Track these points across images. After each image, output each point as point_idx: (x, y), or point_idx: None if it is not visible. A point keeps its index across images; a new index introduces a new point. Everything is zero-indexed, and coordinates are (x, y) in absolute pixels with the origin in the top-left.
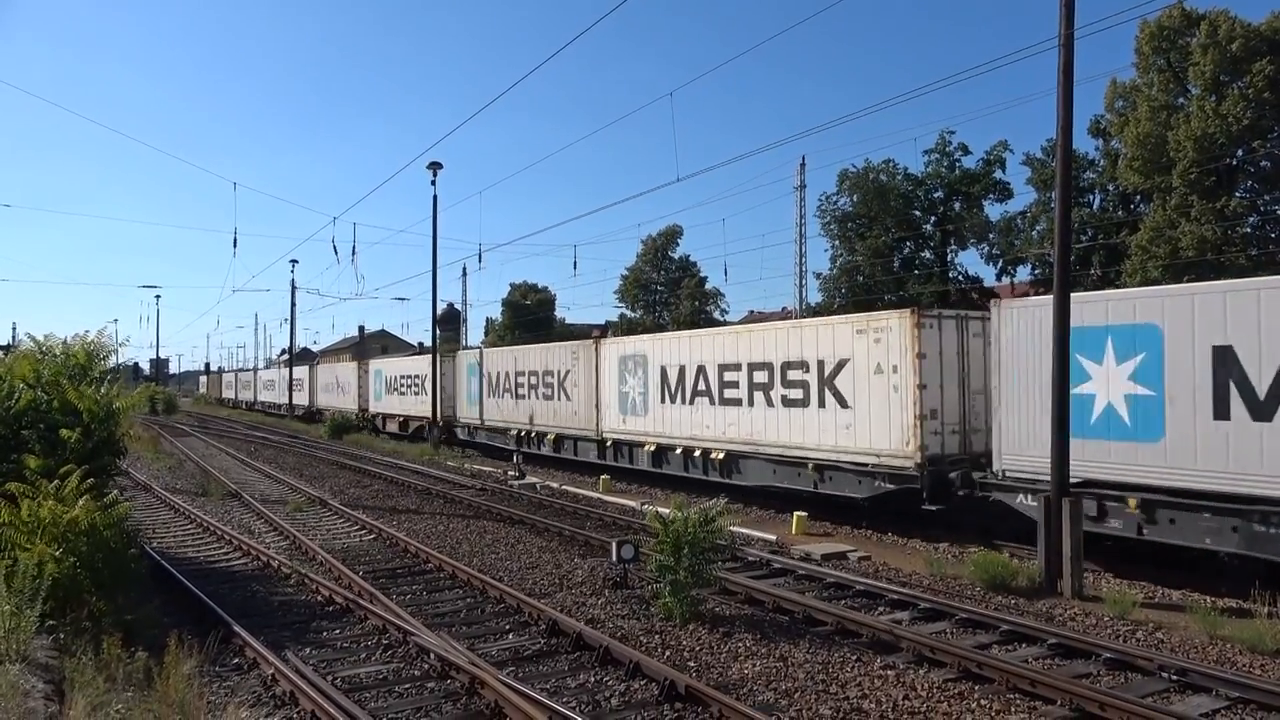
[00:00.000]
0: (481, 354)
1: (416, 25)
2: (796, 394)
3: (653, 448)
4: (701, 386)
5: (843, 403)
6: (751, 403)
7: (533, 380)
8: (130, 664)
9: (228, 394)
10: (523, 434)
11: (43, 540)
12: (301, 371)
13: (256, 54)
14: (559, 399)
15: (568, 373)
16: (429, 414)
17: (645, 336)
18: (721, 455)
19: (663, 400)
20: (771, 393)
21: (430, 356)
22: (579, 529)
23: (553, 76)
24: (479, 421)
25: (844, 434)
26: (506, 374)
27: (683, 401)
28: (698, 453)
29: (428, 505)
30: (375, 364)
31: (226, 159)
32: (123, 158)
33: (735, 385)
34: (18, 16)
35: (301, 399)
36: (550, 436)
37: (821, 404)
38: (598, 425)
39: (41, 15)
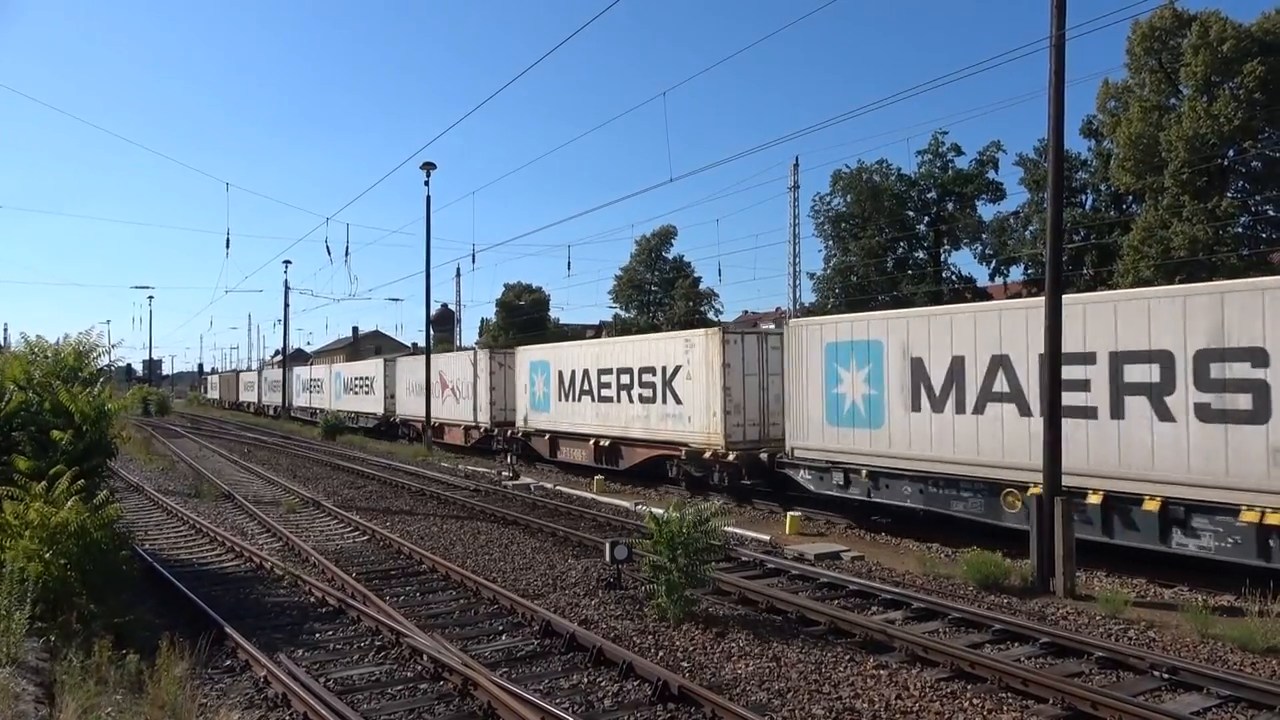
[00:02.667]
0: (890, 325)
1: (411, 25)
2: None
3: None
4: None
5: None
6: None
7: (1167, 371)
8: (121, 666)
9: (247, 397)
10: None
11: (31, 541)
12: (370, 367)
13: (250, 51)
14: None
15: None
16: (690, 436)
17: None
18: None
19: None
20: None
21: (705, 333)
22: (573, 529)
23: (546, 77)
24: (882, 460)
25: None
26: (990, 361)
27: None
28: None
29: (421, 506)
30: (534, 353)
31: (219, 159)
32: (114, 158)
33: None
34: (9, 15)
35: (369, 406)
36: None
37: None
38: None
39: (34, 14)
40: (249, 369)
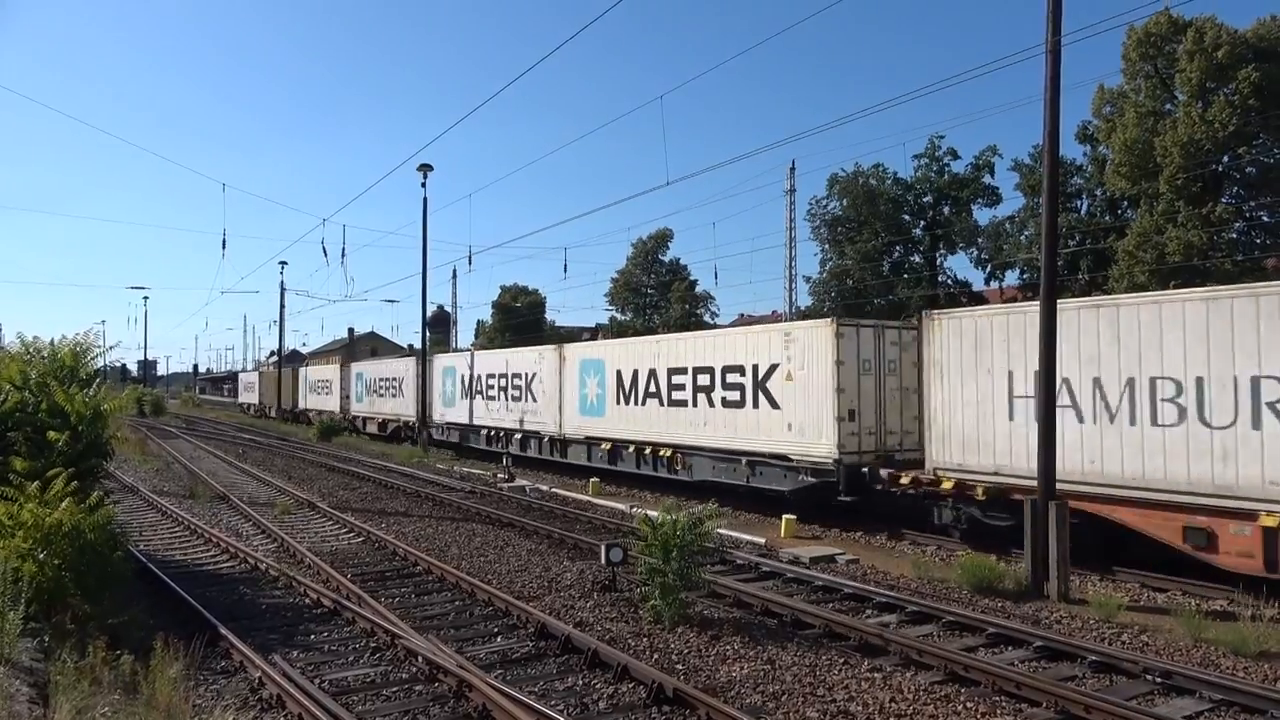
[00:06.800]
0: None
1: (409, 28)
2: None
3: None
4: None
5: None
6: None
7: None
8: (116, 667)
9: (319, 403)
10: None
11: (24, 541)
12: (733, 344)
13: (248, 48)
14: None
15: None
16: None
17: None
18: None
19: None
20: None
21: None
22: (568, 532)
23: (543, 80)
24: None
25: None
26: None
27: None
28: None
29: (416, 508)
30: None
31: (215, 157)
32: (110, 156)
33: None
34: (5, 13)
35: (704, 431)
36: None
37: None
38: None
39: (31, 12)
40: (320, 361)
